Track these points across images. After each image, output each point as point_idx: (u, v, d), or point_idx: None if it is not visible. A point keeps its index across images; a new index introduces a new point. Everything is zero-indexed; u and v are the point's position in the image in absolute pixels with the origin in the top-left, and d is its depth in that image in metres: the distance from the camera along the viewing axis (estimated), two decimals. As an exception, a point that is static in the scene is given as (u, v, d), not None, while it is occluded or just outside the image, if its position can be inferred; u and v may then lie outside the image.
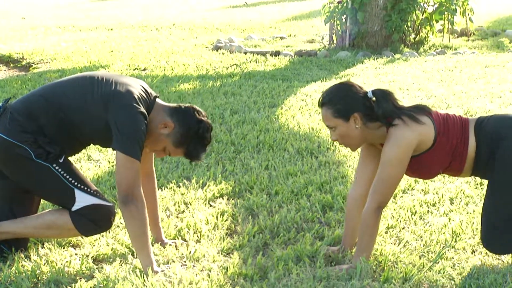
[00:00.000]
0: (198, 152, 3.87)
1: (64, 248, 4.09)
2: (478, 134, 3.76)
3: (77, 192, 3.81)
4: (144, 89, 3.84)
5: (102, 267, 3.81)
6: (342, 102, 3.69)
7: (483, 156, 3.75)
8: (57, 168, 3.77)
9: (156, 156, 3.94)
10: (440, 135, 3.71)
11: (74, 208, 3.81)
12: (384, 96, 3.72)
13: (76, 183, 3.82)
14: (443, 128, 3.72)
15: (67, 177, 3.80)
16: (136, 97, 3.71)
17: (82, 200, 3.81)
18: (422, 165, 3.77)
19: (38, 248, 4.04)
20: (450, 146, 3.73)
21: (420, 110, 3.74)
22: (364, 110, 3.68)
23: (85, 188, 3.84)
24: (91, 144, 4.08)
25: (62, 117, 3.75)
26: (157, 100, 3.89)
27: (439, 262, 3.85)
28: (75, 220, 3.81)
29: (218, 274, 3.68)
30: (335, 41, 13.38)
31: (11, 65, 12.04)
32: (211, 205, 4.83)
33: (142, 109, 3.70)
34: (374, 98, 3.70)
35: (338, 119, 3.69)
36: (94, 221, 3.83)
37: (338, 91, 3.75)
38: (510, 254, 3.92)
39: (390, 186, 3.69)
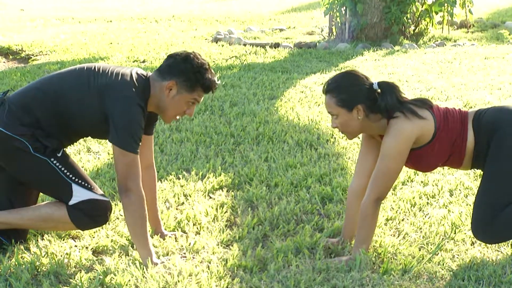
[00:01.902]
0: (210, 79, 3.80)
1: (63, 240, 4.09)
2: (476, 127, 3.76)
3: (74, 187, 3.81)
4: (138, 74, 3.82)
5: (101, 259, 3.81)
6: (347, 92, 3.69)
7: (481, 149, 3.75)
8: (54, 162, 3.77)
9: (190, 114, 3.87)
10: (440, 130, 3.71)
11: (71, 202, 3.81)
12: (389, 89, 3.72)
13: (73, 178, 3.82)
14: (443, 122, 3.72)
15: (65, 171, 3.80)
16: (132, 85, 3.70)
17: (79, 194, 3.81)
18: (421, 159, 3.77)
19: (37, 240, 4.04)
20: (449, 140, 3.74)
21: (421, 104, 3.74)
22: (367, 102, 3.68)
23: (82, 183, 3.84)
24: (89, 137, 4.07)
25: (61, 110, 3.74)
26: (150, 75, 3.88)
27: (438, 253, 3.86)
28: (72, 215, 3.82)
29: (217, 265, 3.69)
30: (334, 33, 13.36)
31: (10, 57, 12.03)
32: (210, 197, 4.83)
33: (139, 99, 3.68)
34: (379, 90, 3.70)
35: (341, 109, 3.69)
36: (91, 216, 3.84)
37: (344, 80, 3.74)
38: (510, 246, 3.93)
39: (389, 178, 3.69)
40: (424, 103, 3.76)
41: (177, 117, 3.88)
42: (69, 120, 3.78)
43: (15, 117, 3.72)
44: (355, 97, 3.68)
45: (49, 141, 3.74)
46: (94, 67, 3.82)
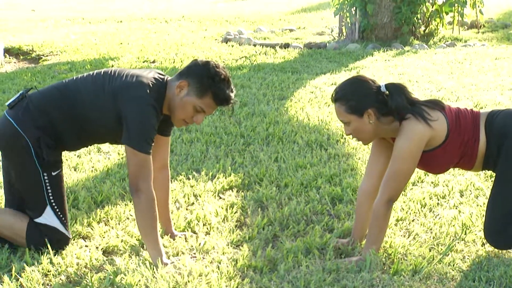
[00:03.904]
0: (225, 91, 3.76)
1: (74, 240, 4.09)
2: (488, 130, 3.74)
3: (48, 209, 3.83)
4: (156, 76, 3.80)
5: (112, 259, 3.81)
6: (356, 98, 3.67)
7: (492, 151, 3.74)
8: (46, 178, 3.79)
9: (197, 122, 3.83)
10: (452, 132, 3.70)
11: (36, 220, 3.83)
12: (397, 90, 3.71)
13: (53, 202, 3.84)
14: (455, 124, 3.71)
15: (49, 191, 3.82)
16: (146, 86, 3.68)
17: (47, 217, 3.83)
18: (433, 160, 3.76)
19: (48, 240, 4.05)
20: (461, 142, 3.72)
21: (433, 105, 3.73)
22: (377, 105, 3.67)
23: (57, 210, 3.86)
24: (105, 142, 4.07)
25: (77, 113, 3.76)
26: (169, 78, 3.87)
27: (448, 254, 3.85)
28: (30, 229, 3.83)
29: (227, 266, 3.69)
30: (344, 34, 13.35)
31: (21, 57, 12.06)
32: (220, 197, 4.84)
33: (152, 100, 3.67)
34: (387, 92, 3.69)
35: (352, 115, 3.68)
36: (47, 239, 3.84)
37: (351, 87, 3.74)
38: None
39: (401, 180, 3.68)
40: (436, 104, 3.75)
41: (187, 122, 3.83)
42: (85, 123, 3.79)
43: (30, 117, 3.75)
44: (364, 102, 3.67)
45: (49, 154, 3.76)
46: (111, 71, 3.83)
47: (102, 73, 3.85)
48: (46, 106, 3.78)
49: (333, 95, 3.75)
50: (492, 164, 3.79)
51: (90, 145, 4.16)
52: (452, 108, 3.80)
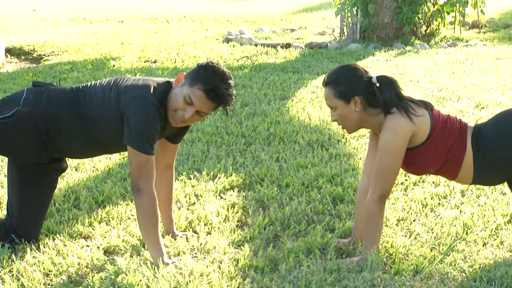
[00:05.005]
0: (215, 82, 3.67)
1: (75, 239, 4.10)
2: (475, 144, 3.72)
3: None
4: (166, 80, 3.81)
5: (113, 259, 3.81)
6: (345, 84, 3.69)
7: (483, 166, 3.72)
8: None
9: (185, 116, 3.70)
10: (436, 131, 3.68)
11: None
12: (388, 83, 3.72)
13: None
14: (440, 125, 3.70)
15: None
16: (150, 87, 3.69)
17: None
18: (415, 159, 3.74)
19: (49, 240, 4.05)
20: (445, 145, 3.70)
21: (421, 103, 3.74)
22: (365, 94, 3.68)
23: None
24: (109, 152, 4.12)
25: (83, 112, 3.80)
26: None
27: (450, 254, 3.85)
28: None
29: (228, 266, 3.69)
30: (345, 33, 13.35)
31: (22, 57, 12.07)
32: (221, 197, 4.84)
33: (156, 101, 3.66)
34: (378, 84, 3.70)
35: (339, 100, 3.69)
36: None
37: (343, 73, 3.75)
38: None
39: (389, 176, 3.67)
40: (423, 103, 3.76)
41: (180, 118, 3.74)
42: (89, 123, 3.80)
43: (37, 98, 3.85)
44: (353, 88, 3.68)
45: (15, 142, 3.84)
46: (123, 77, 3.87)
47: (113, 78, 3.90)
48: (57, 99, 3.84)
49: (325, 79, 3.76)
50: (484, 180, 3.80)
51: (92, 153, 4.15)
52: (441, 113, 3.79)
